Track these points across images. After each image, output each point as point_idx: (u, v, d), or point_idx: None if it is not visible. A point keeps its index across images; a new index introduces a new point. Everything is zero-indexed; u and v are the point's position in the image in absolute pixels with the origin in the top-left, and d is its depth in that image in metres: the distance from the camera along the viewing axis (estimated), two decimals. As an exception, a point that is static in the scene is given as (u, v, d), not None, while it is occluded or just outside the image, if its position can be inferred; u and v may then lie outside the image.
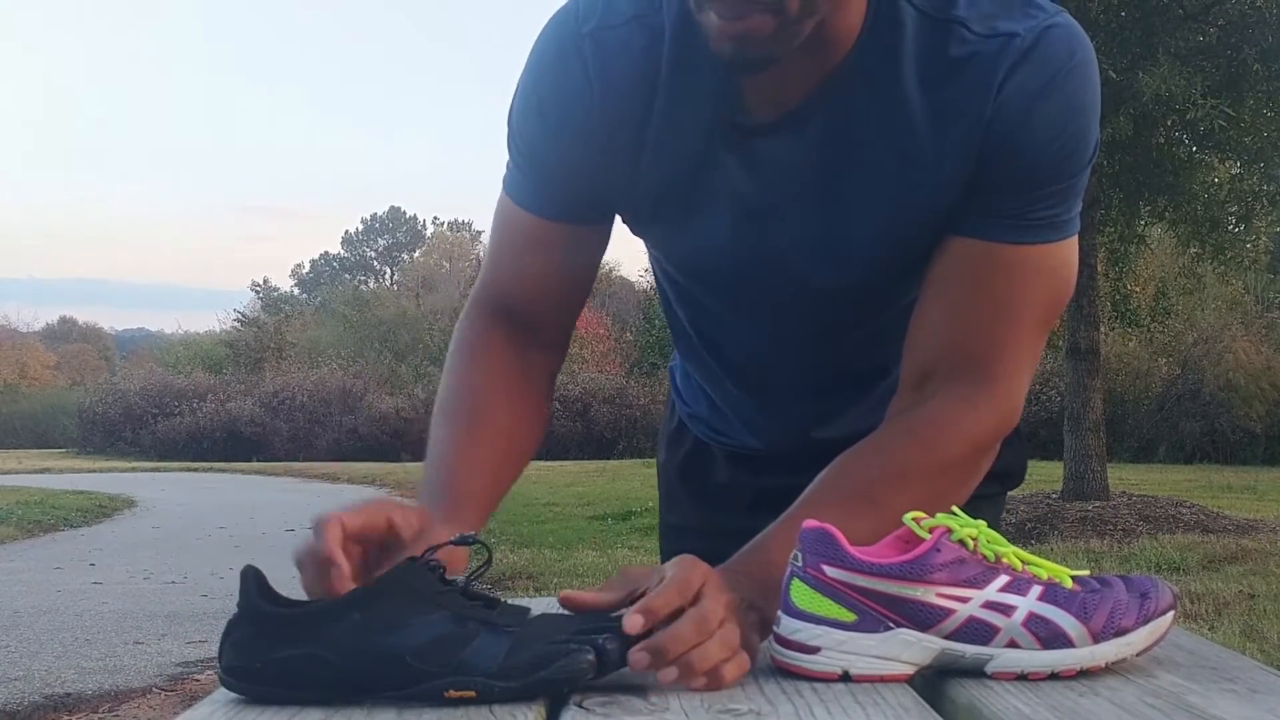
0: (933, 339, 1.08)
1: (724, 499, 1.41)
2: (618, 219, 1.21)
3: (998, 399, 1.08)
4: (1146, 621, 0.90)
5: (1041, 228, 1.04)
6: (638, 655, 0.83)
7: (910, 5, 1.02)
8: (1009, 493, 1.42)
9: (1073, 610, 0.88)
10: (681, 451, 1.47)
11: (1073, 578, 0.90)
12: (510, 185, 1.18)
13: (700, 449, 1.45)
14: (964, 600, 0.86)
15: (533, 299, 1.20)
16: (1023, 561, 0.89)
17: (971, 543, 0.87)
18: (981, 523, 0.89)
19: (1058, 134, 1.01)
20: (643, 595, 0.88)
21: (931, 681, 0.88)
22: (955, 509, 0.90)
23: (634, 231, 1.22)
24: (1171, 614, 0.92)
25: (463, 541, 0.89)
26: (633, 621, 0.83)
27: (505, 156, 1.18)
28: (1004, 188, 1.03)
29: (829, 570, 0.87)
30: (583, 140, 1.10)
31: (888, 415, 1.11)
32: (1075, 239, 1.08)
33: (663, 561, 1.49)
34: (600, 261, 1.23)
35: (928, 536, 0.87)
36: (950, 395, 1.07)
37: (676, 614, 0.85)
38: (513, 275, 1.20)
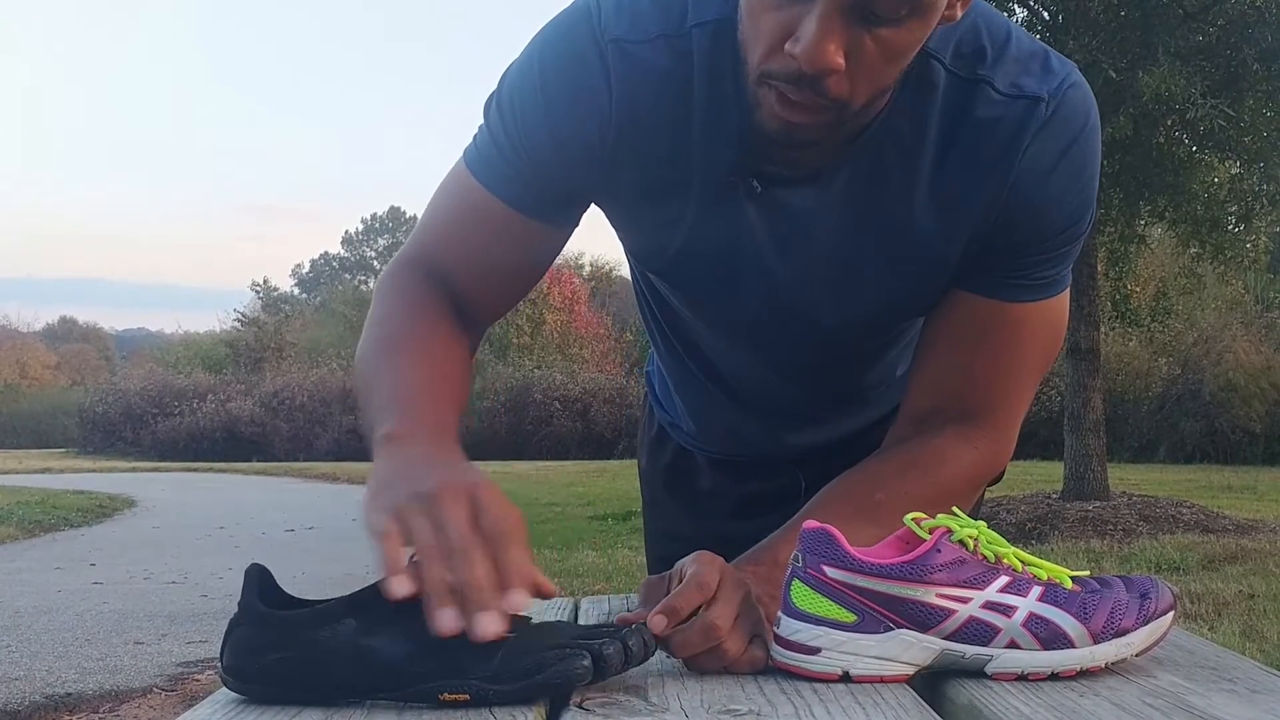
0: (937, 385, 1.12)
1: (708, 505, 1.43)
2: (619, 249, 1.20)
3: (995, 442, 1.13)
4: (1147, 622, 0.90)
5: (1044, 286, 1.08)
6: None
7: (941, 65, 1.01)
8: (1003, 493, 1.46)
9: (1073, 611, 0.88)
10: (664, 459, 1.48)
11: (1073, 578, 0.90)
12: (482, 166, 1.09)
13: (683, 455, 1.45)
14: (964, 601, 0.86)
15: (476, 285, 1.13)
16: (1023, 562, 0.89)
17: (972, 543, 0.87)
18: (981, 524, 0.89)
19: (1069, 198, 1.04)
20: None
21: (931, 682, 0.88)
22: (956, 510, 0.90)
23: (638, 263, 1.20)
24: (1171, 614, 0.92)
25: None
26: (657, 622, 0.87)
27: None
28: (1016, 250, 1.06)
29: (829, 571, 0.87)
30: (587, 148, 1.03)
31: (888, 443, 1.15)
32: (1068, 292, 1.13)
33: (648, 566, 1.52)
34: (552, 263, 1.17)
35: (928, 537, 0.87)
36: (951, 434, 1.11)
37: (697, 611, 0.90)
38: (461, 255, 1.12)
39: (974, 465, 1.12)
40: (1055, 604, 0.88)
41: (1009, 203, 1.03)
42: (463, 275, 1.12)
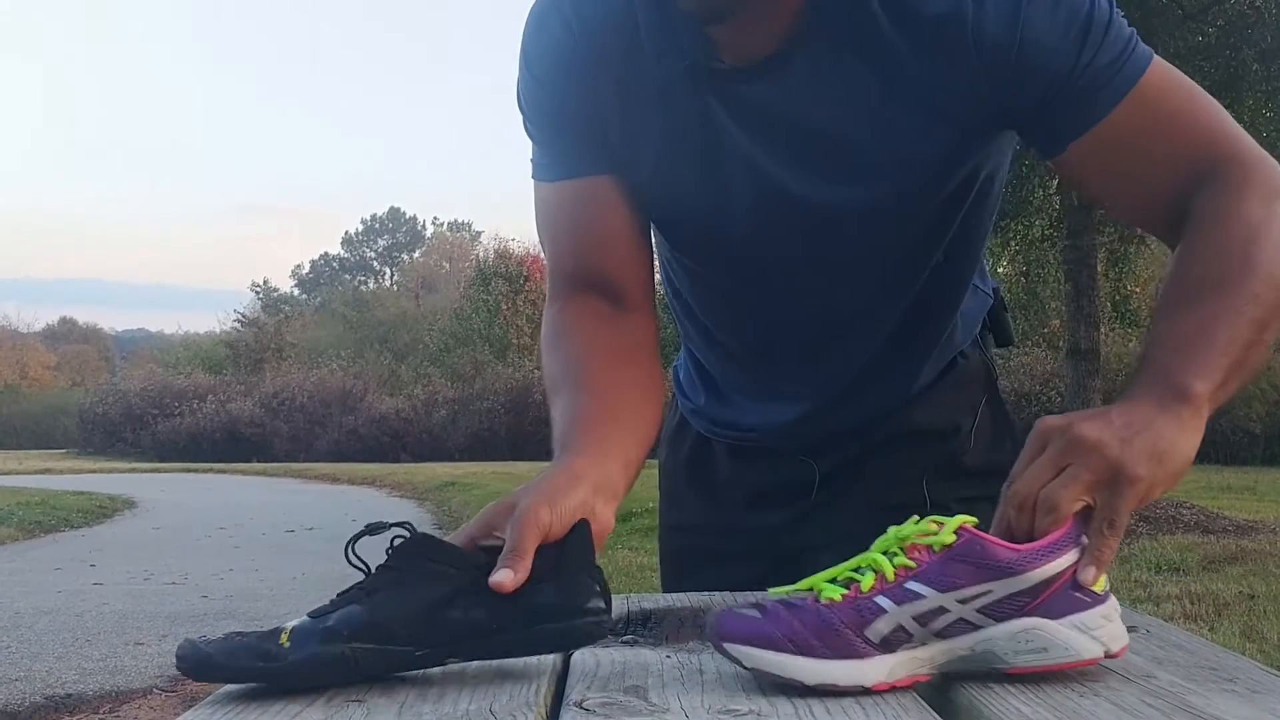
0: (1152, 197, 1.07)
1: (723, 495, 1.43)
2: None
3: (1247, 170, 1.04)
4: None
5: (1119, 77, 1.03)
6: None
7: None
8: None
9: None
10: (683, 449, 1.48)
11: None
12: (538, 170, 1.20)
13: (702, 445, 1.46)
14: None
15: (599, 261, 1.19)
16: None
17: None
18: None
19: (1057, 26, 1.02)
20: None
21: (932, 681, 0.88)
22: (931, 519, 0.89)
23: (641, 203, 1.21)
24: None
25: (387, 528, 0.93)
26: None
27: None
28: (1059, 86, 1.03)
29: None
30: (573, 84, 1.13)
31: (1178, 251, 1.06)
32: (1158, 61, 1.06)
33: (661, 562, 1.51)
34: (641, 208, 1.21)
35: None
36: (1210, 194, 1.04)
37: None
38: (570, 247, 1.20)
39: (1248, 205, 1.02)
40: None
41: (993, 73, 1.03)
42: (595, 266, 1.19)
